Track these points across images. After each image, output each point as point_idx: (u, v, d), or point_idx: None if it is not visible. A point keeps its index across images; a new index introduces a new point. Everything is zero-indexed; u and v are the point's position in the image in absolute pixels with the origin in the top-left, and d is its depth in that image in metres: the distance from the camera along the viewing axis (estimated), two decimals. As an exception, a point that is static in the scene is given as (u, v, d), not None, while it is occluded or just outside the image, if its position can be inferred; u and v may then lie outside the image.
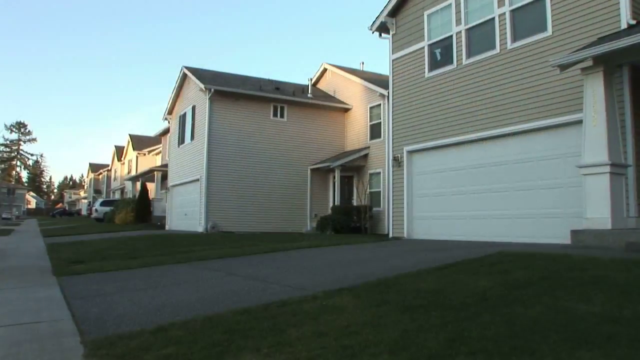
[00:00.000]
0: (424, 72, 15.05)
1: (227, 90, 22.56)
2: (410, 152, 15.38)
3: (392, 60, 16.28)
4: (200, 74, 24.32)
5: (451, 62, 14.20)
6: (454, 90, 14.02)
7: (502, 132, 12.61)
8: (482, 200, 13.10)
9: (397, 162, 15.63)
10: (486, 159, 13.12)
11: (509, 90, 12.50)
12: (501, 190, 12.63)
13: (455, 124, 13.89)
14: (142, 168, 41.48)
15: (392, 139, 16.06)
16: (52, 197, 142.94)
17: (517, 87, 12.31)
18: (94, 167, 77.38)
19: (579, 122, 10.28)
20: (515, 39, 12.50)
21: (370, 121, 23.21)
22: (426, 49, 15.04)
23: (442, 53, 14.72)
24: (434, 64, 14.84)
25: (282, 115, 23.82)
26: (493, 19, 13.04)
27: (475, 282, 5.91)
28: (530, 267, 6.59)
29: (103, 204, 42.05)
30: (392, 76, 16.27)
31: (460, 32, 13.94)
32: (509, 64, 12.54)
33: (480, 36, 13.49)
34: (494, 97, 12.87)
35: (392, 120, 16.13)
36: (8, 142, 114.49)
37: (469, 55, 13.72)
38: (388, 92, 17.26)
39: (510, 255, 8.06)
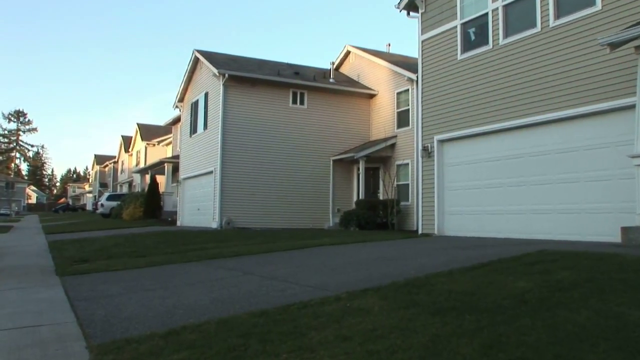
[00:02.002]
0: (457, 54, 14.90)
1: (243, 76, 22.61)
2: (441, 142, 15.27)
3: (422, 42, 16.15)
4: (213, 58, 24.43)
5: (486, 43, 14.02)
6: (489, 74, 13.85)
7: (543, 119, 12.43)
8: (520, 193, 12.95)
9: (426, 152, 15.54)
10: (525, 148, 12.96)
11: (551, 72, 12.30)
12: (541, 182, 12.47)
13: (490, 110, 13.73)
14: (152, 160, 41.90)
15: (422, 127, 15.96)
16: (55, 191, 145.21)
17: (560, 69, 12.11)
18: (100, 159, 78.40)
19: (631, 107, 10.10)
20: (558, 15, 12.28)
21: (398, 108, 23.08)
22: (459, 28, 14.87)
23: (476, 33, 14.54)
24: (468, 45, 14.68)
25: (302, 102, 23.81)
26: (533, -6, 12.84)
27: (513, 283, 5.86)
28: (574, 268, 6.50)
29: (109, 198, 42.60)
30: (422, 59, 16.14)
31: (497, 9, 13.75)
32: (552, 43, 12.33)
33: (519, 13, 13.29)
34: (534, 81, 12.68)
35: (422, 106, 16.02)
36: (6, 132, 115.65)
37: (506, 35, 13.53)
38: (417, 76, 17.13)
39: (552, 253, 7.97)
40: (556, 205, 12.11)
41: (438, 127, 15.32)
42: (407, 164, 21.96)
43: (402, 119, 22.73)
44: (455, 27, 14.98)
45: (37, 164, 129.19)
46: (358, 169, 23.41)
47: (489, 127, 13.77)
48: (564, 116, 11.98)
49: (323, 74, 25.82)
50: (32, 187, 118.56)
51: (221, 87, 22.25)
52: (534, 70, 12.70)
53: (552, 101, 12.21)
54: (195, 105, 26.37)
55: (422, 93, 16.09)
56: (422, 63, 16.15)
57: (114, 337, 4.64)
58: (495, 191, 13.62)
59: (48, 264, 11.13)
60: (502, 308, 4.76)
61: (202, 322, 4.95)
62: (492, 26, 13.87)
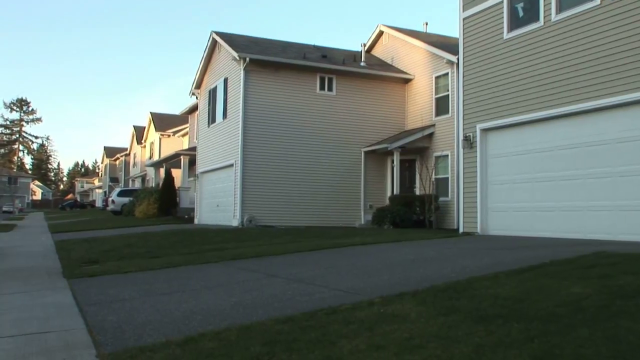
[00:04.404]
0: (502, 33, 14.72)
1: (265, 59, 22.66)
2: (485, 131, 15.13)
3: (463, 19, 16.02)
4: (233, 40, 24.52)
5: (537, 19, 13.83)
6: (539, 54, 13.66)
7: (601, 104, 12.21)
8: (575, 188, 12.77)
9: (468, 142, 15.42)
10: (581, 137, 12.76)
11: (611, 51, 12.06)
12: (600, 176, 12.27)
13: (541, 95, 13.55)
14: (166, 152, 42.35)
15: (463, 115, 15.84)
16: (61, 186, 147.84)
17: (623, 46, 11.84)
18: (110, 152, 79.55)
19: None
20: (618, -13, 12.05)
21: (436, 94, 22.91)
22: (505, 3, 14.69)
23: (525, 8, 14.36)
24: (515, 23, 14.49)
25: (330, 88, 23.78)
26: (590, -37, 12.61)
27: (567, 288, 5.79)
28: (639, 272, 6.38)
29: (121, 194, 43.19)
30: (463, 39, 16.01)
31: (549, -19, 13.58)
32: (613, 17, 12.08)
33: (574, -14, 13.08)
34: (591, 61, 12.45)
35: (463, 92, 15.90)
36: (8, 122, 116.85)
37: (559, 10, 13.32)
38: (457, 59, 16.99)
39: (612, 256, 7.84)
40: (617, 202, 11.90)
41: (481, 115, 15.17)
42: (447, 155, 21.80)
43: (441, 105, 22.54)
44: (501, 2, 14.78)
45: (41, 157, 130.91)
46: (392, 161, 23.32)
47: (539, 114, 13.59)
48: (626, 100, 11.72)
49: (353, 56, 25.74)
50: (37, 182, 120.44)
51: (242, 72, 22.33)
52: (591, 49, 12.46)
53: (614, 83, 11.97)
54: (213, 92, 26.53)
55: (463, 77, 15.95)
56: (463, 43, 16.01)
57: (126, 345, 4.70)
58: (546, 185, 13.44)
59: (55, 265, 11.32)
60: (555, 316, 4.70)
61: (222, 329, 4.99)
62: (544, 0, 13.66)
